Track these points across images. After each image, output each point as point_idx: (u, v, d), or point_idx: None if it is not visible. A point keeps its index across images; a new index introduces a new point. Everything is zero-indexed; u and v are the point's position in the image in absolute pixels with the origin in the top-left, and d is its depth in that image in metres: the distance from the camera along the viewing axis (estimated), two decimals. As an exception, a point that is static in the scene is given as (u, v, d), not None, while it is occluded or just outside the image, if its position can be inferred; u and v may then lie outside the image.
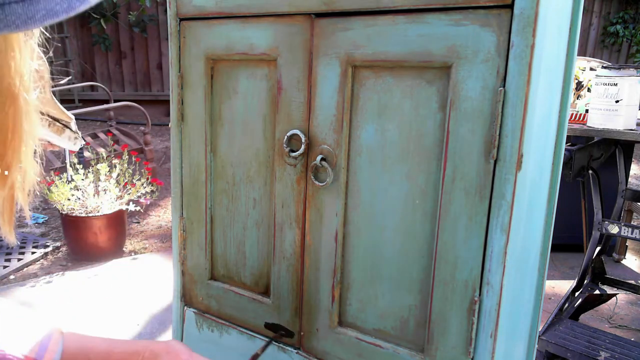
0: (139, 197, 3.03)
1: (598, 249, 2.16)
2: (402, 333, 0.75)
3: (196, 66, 0.88)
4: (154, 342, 0.66)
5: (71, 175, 2.87)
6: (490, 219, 0.64)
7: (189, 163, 0.93)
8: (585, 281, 2.20)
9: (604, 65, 1.82)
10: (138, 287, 2.58)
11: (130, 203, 2.97)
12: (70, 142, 0.91)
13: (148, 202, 3.22)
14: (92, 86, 5.78)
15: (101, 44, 6.12)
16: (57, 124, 0.89)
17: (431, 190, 0.69)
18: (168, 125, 0.94)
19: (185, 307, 1.00)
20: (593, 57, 4.67)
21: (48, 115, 0.87)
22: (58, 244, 3.08)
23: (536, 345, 0.84)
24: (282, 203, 0.82)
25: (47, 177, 2.87)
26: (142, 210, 3.18)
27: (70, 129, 0.91)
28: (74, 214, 2.79)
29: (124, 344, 0.65)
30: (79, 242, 2.87)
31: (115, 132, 4.31)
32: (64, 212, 2.81)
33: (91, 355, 0.62)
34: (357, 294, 0.78)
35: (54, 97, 0.84)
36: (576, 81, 1.96)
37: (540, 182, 0.73)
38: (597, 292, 2.18)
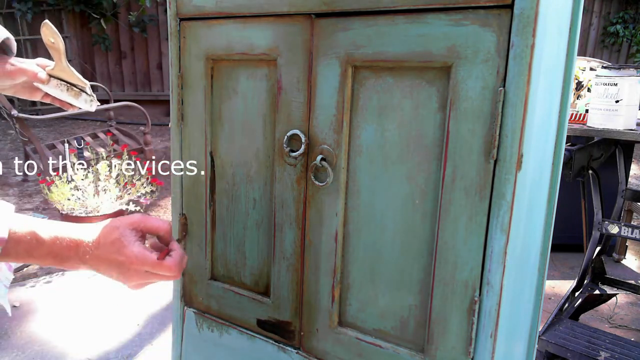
0: (139, 197, 3.03)
1: (598, 249, 2.16)
2: (402, 333, 0.75)
3: (196, 66, 0.88)
4: (99, 227, 0.66)
5: (71, 175, 2.87)
6: (490, 219, 0.64)
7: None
8: (585, 281, 2.20)
9: (604, 65, 1.82)
10: (138, 287, 2.57)
11: (130, 203, 2.97)
12: (87, 104, 1.03)
13: (148, 202, 3.22)
14: (92, 86, 5.78)
15: (101, 44, 6.12)
16: (74, 88, 1.00)
17: (431, 190, 0.69)
18: (168, 125, 0.96)
19: (185, 307, 1.00)
20: (593, 57, 4.67)
21: (65, 82, 0.98)
22: (58, 244, 3.07)
23: (536, 345, 0.84)
24: (282, 203, 0.82)
25: (47, 177, 2.87)
26: (142, 210, 3.18)
27: (86, 93, 1.03)
28: (74, 214, 2.79)
29: (71, 230, 0.65)
30: (79, 242, 2.86)
31: (115, 132, 4.30)
32: (63, 212, 2.81)
33: (39, 232, 0.62)
34: (357, 294, 0.78)
35: (69, 66, 0.96)
36: (576, 81, 1.96)
37: (540, 182, 0.73)
38: (597, 292, 2.18)
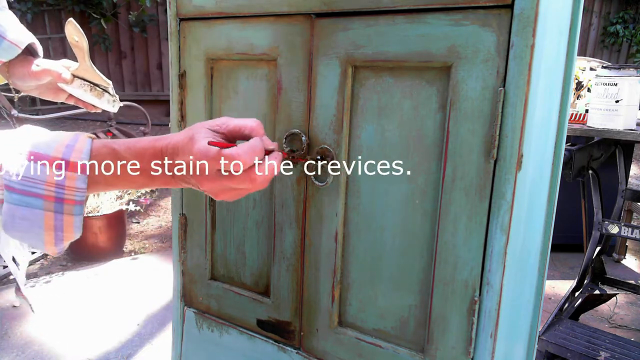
0: (139, 197, 3.03)
1: (598, 249, 2.17)
2: (402, 333, 0.75)
3: (196, 66, 0.88)
4: (175, 136, 0.60)
5: (71, 175, 2.86)
6: (490, 219, 0.64)
7: (189, 163, 0.93)
8: (585, 281, 2.20)
9: (604, 65, 1.82)
10: (138, 287, 2.58)
11: (130, 203, 2.97)
12: (109, 104, 1.04)
13: (148, 202, 3.22)
14: (92, 86, 5.76)
15: (101, 44, 6.12)
16: (97, 88, 1.00)
17: (431, 190, 0.69)
18: (168, 125, 0.96)
19: (185, 307, 1.00)
20: (593, 57, 4.66)
21: (89, 82, 0.98)
22: (58, 244, 3.07)
23: (536, 345, 0.84)
24: (282, 203, 0.82)
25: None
26: (142, 210, 3.19)
27: (109, 93, 1.03)
28: (74, 214, 2.79)
29: (149, 142, 0.61)
30: (78, 242, 2.87)
31: (115, 132, 4.30)
32: (64, 212, 2.81)
33: (115, 145, 0.59)
34: (357, 294, 0.78)
35: (93, 65, 0.97)
36: (576, 81, 1.96)
37: (540, 182, 0.73)
38: (597, 292, 2.19)
